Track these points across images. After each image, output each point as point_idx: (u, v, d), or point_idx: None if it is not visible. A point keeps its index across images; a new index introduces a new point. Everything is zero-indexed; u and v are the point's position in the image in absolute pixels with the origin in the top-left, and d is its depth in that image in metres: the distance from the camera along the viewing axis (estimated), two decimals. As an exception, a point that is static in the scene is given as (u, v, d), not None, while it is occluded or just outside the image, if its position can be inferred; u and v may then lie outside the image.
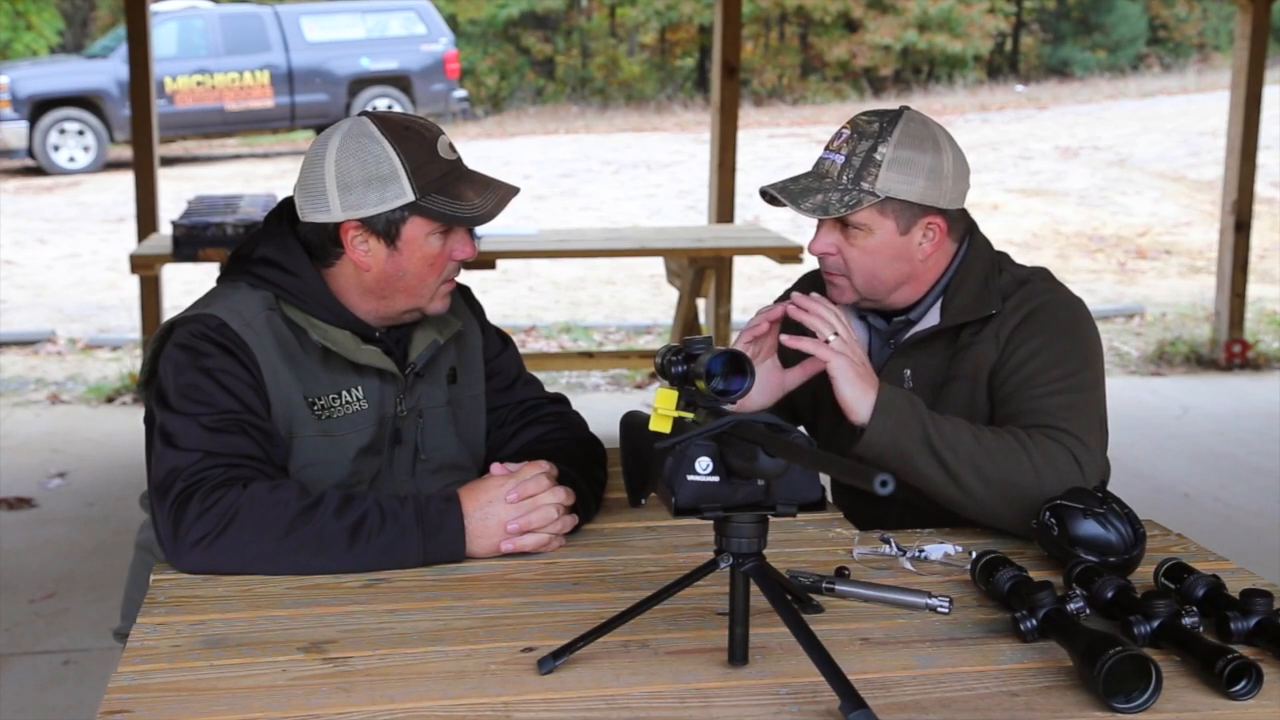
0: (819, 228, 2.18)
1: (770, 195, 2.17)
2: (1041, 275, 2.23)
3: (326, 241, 2.02)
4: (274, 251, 2.05)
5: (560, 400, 2.30)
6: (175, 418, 1.93)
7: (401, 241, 1.99)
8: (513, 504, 1.93)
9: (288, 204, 2.11)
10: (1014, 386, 2.10)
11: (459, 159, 2.05)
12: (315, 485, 1.94)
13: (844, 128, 2.17)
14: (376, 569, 1.86)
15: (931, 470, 1.97)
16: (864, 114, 2.17)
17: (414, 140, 1.99)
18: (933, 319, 2.19)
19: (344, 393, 2.04)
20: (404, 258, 2.00)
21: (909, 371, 2.20)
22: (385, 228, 1.98)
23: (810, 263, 2.26)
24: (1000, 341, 2.14)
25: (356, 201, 1.97)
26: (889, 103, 18.87)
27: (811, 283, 2.36)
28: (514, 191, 2.04)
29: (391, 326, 2.10)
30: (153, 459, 1.95)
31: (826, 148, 2.17)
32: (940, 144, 2.14)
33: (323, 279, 2.05)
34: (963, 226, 2.21)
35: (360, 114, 2.04)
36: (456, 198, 1.98)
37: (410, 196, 1.97)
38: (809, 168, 2.20)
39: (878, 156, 2.10)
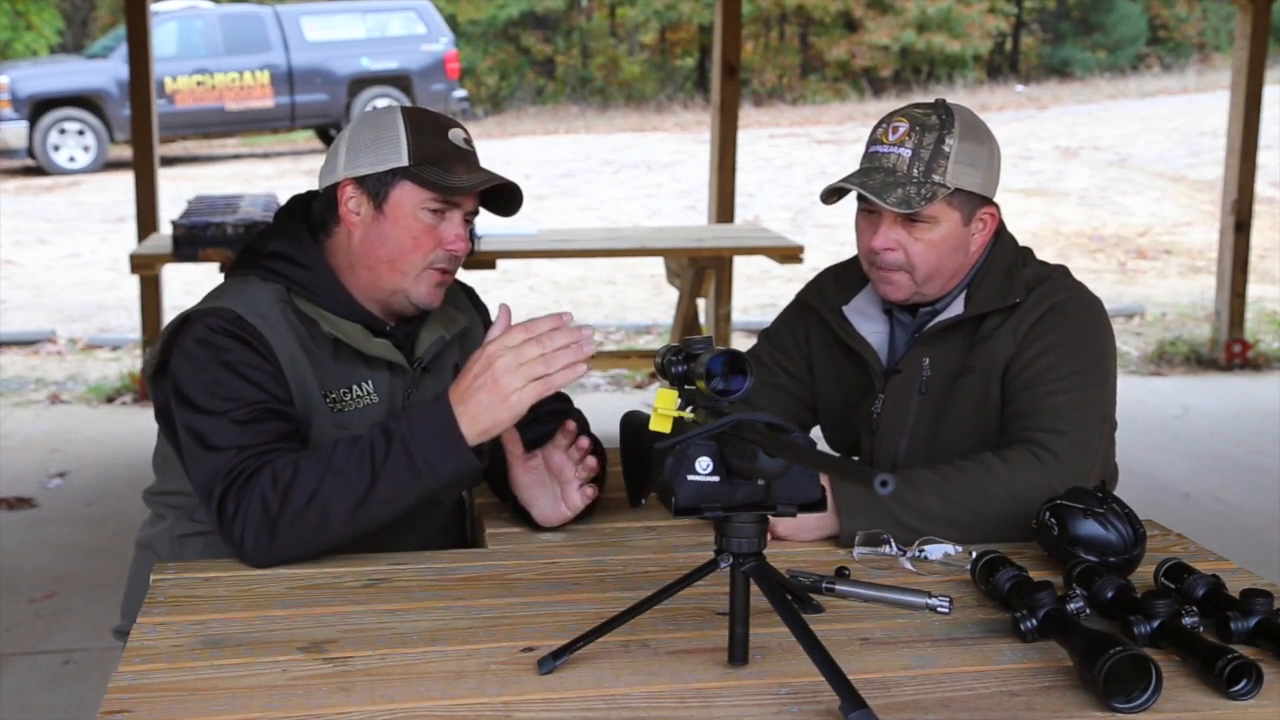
0: (878, 223, 2.15)
1: (835, 192, 2.14)
2: (1062, 272, 2.25)
3: (329, 207, 2.07)
4: (286, 245, 2.07)
5: (562, 399, 2.31)
6: (205, 418, 1.93)
7: (388, 205, 2.03)
8: (518, 362, 1.80)
9: (298, 200, 2.15)
10: (1023, 384, 2.12)
11: (469, 151, 2.07)
12: None
13: (898, 121, 2.14)
14: (409, 501, 1.84)
15: (914, 537, 1.98)
16: (915, 107, 2.16)
17: (427, 121, 2.05)
18: (957, 309, 2.20)
19: (354, 386, 2.06)
20: (388, 223, 2.03)
21: (928, 360, 2.21)
22: (375, 188, 2.03)
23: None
24: (1018, 336, 2.15)
25: (357, 161, 2.04)
26: (889, 103, 18.86)
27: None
28: (501, 178, 2.05)
29: (398, 320, 2.12)
30: (187, 462, 1.96)
31: (880, 143, 2.14)
32: (989, 134, 2.18)
33: (331, 269, 2.07)
34: (1000, 217, 2.24)
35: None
36: (448, 172, 2.02)
37: (404, 161, 2.01)
38: (855, 160, 2.20)
39: (946, 148, 2.11)
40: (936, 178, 2.10)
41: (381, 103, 15.19)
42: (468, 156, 2.06)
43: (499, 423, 1.82)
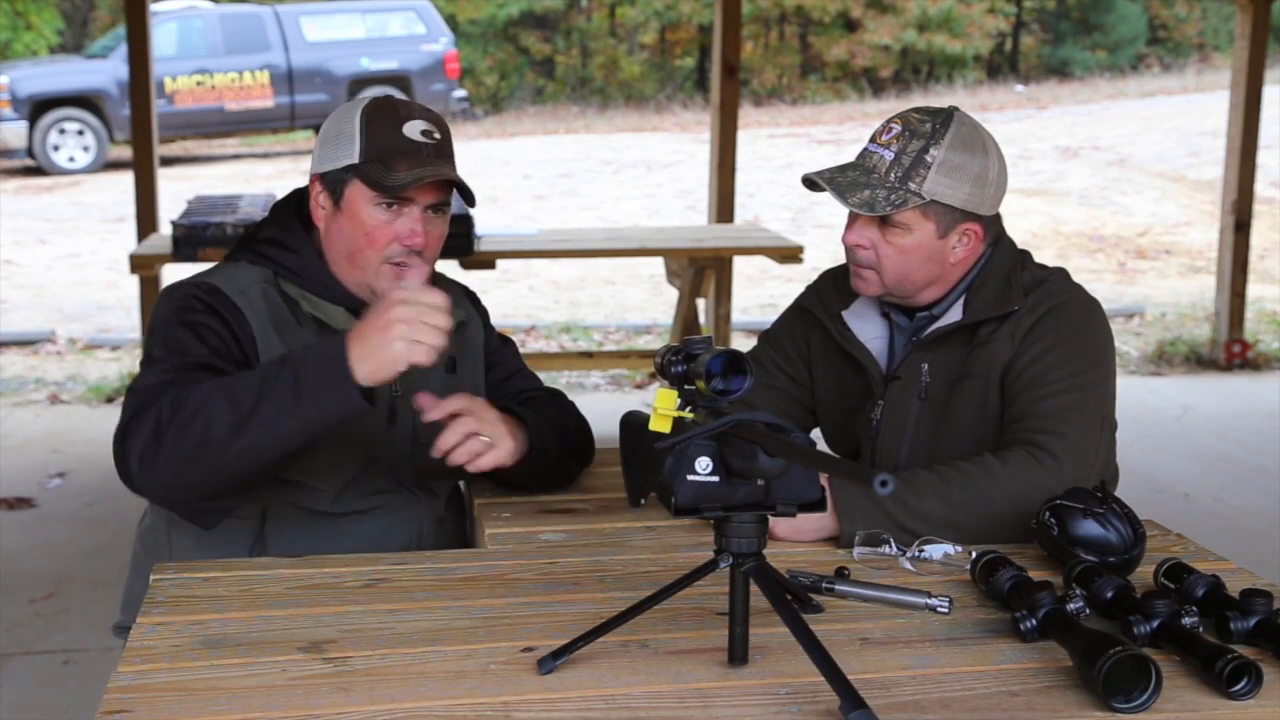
0: (854, 220, 2.17)
1: (812, 182, 2.17)
2: (1060, 275, 2.24)
3: (305, 200, 2.14)
4: (277, 232, 2.13)
5: (556, 393, 2.33)
6: (147, 369, 1.98)
7: (344, 202, 2.06)
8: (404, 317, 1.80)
9: (297, 193, 2.19)
10: (1021, 386, 2.12)
11: (427, 144, 2.05)
12: (306, 453, 1.95)
13: (894, 122, 2.15)
14: (289, 429, 1.83)
15: (914, 539, 1.98)
16: (915, 111, 2.17)
17: (384, 114, 2.06)
18: (955, 315, 2.20)
19: None
20: (344, 220, 2.06)
21: (926, 365, 2.21)
22: (333, 185, 2.07)
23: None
24: (1015, 340, 2.15)
25: (322, 157, 2.08)
26: (889, 103, 18.87)
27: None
28: (440, 174, 2.02)
29: None
30: None
31: (874, 140, 2.16)
32: (988, 149, 2.15)
33: (318, 256, 2.11)
34: (995, 231, 2.22)
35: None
36: (390, 169, 2.02)
37: (354, 159, 2.04)
38: (853, 158, 2.19)
39: (928, 159, 2.10)
40: (912, 186, 2.10)
41: (381, 103, 15.18)
42: (418, 150, 2.04)
43: (382, 366, 1.82)
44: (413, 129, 2.05)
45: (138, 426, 1.88)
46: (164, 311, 2.05)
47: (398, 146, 2.04)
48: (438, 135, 2.07)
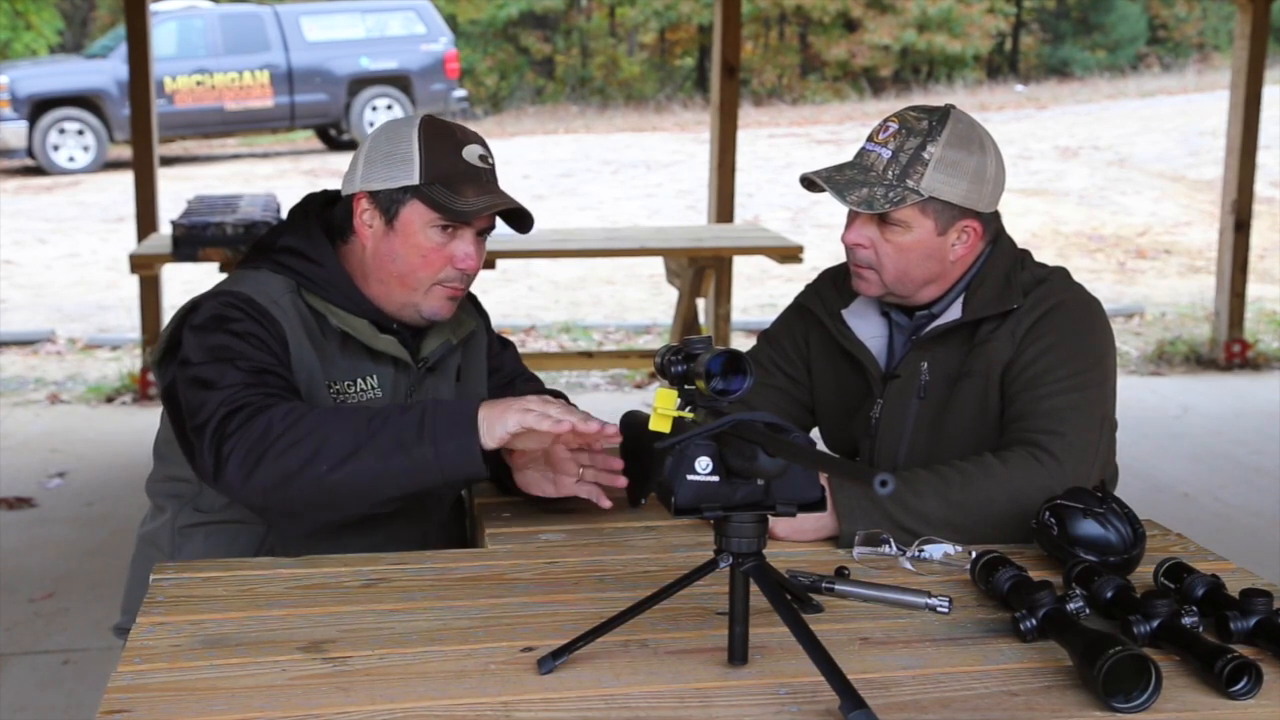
0: (854, 219, 2.17)
1: (810, 182, 2.17)
2: (1060, 274, 2.24)
3: (346, 214, 2.10)
4: (297, 241, 2.10)
5: (558, 395, 2.32)
6: (210, 366, 1.94)
7: (399, 222, 2.04)
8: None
9: (312, 199, 2.17)
10: (1021, 385, 2.12)
11: (485, 169, 2.07)
12: None
13: (890, 121, 2.16)
14: (400, 466, 1.84)
15: (914, 539, 1.98)
16: (912, 109, 2.17)
17: (442, 137, 2.05)
18: (954, 313, 2.20)
19: (359, 380, 2.08)
20: (398, 240, 2.05)
21: (926, 365, 2.21)
22: (387, 205, 2.04)
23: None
24: (1016, 339, 2.15)
25: (372, 175, 2.05)
26: (889, 103, 18.86)
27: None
28: (511, 202, 2.05)
29: (403, 325, 2.13)
30: (187, 408, 1.94)
31: (871, 139, 2.17)
32: (985, 146, 2.15)
33: (342, 266, 2.09)
34: (995, 229, 2.22)
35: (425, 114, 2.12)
36: (456, 193, 2.01)
37: (415, 180, 2.02)
38: (851, 157, 2.19)
39: (925, 155, 2.10)
40: (910, 183, 2.10)
41: (381, 102, 15.21)
42: (480, 175, 2.05)
43: (497, 431, 1.85)
44: (471, 153, 2.06)
45: (242, 430, 1.85)
46: (201, 323, 1.99)
47: (460, 170, 2.04)
48: (491, 160, 2.09)
